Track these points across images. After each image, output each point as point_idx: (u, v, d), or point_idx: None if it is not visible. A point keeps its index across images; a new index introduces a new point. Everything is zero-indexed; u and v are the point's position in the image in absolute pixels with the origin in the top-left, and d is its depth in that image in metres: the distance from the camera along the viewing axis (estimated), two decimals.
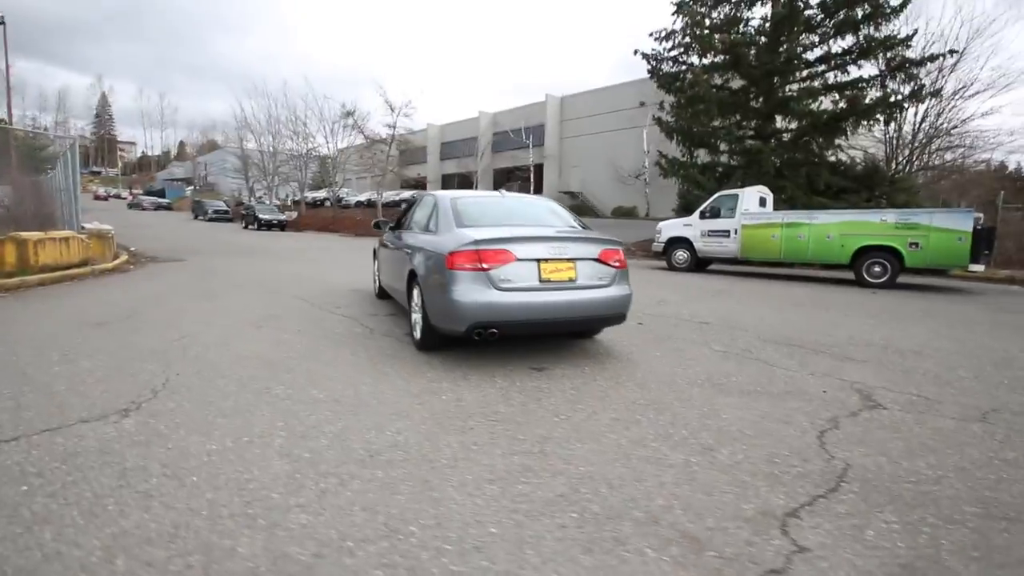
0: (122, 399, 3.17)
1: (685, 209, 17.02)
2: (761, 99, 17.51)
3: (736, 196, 11.73)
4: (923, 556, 1.85)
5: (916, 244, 9.30)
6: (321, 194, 38.64)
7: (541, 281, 3.80)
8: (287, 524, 1.94)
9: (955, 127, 17.13)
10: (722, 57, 17.44)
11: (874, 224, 9.80)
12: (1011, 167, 25.49)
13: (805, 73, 17.42)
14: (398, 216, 6.26)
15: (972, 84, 16.75)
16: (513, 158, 36.74)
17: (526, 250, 3.78)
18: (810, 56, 17.30)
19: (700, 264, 12.47)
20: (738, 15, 17.97)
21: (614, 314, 4.16)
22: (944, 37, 16.52)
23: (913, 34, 15.62)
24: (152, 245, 14.50)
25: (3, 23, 23.75)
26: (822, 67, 17.26)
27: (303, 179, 39.16)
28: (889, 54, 15.72)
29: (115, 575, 1.66)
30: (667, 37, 18.44)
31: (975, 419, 3.17)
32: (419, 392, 3.41)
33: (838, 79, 16.99)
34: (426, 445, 2.63)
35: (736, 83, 17.91)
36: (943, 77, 16.42)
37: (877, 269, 9.77)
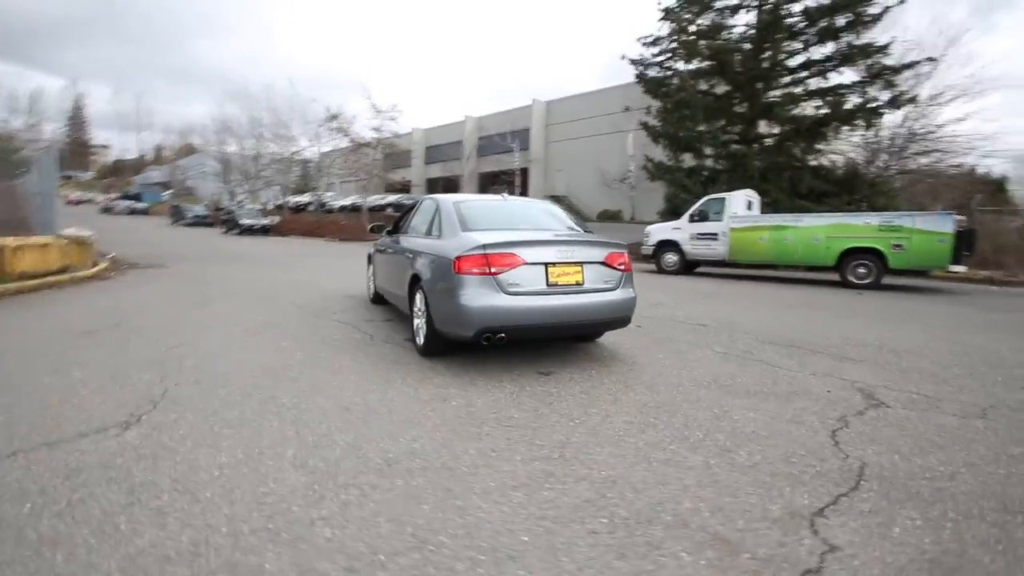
0: (121, 411, 3.07)
1: (672, 212, 17.21)
2: (746, 104, 17.83)
3: (724, 200, 11.90)
4: (949, 551, 1.87)
5: (899, 246, 9.53)
6: (305, 198, 38.17)
7: (549, 285, 3.78)
8: (312, 538, 1.88)
9: (931, 132, 17.61)
10: (707, 63, 17.71)
11: (858, 227, 10.02)
12: (984, 171, 26.33)
13: (788, 79, 17.81)
14: (395, 220, 6.20)
15: (947, 91, 17.24)
16: (499, 162, 36.72)
17: (534, 254, 3.76)
18: (793, 63, 17.68)
19: (688, 267, 12.61)
20: (722, 22, 18.29)
21: (619, 317, 4.16)
22: (920, 45, 17.00)
23: (891, 42, 16.08)
24: (131, 251, 14.13)
25: None
26: (804, 73, 17.65)
27: (286, 183, 38.67)
28: (869, 61, 16.14)
29: None
30: (654, 43, 18.71)
31: (976, 416, 3.23)
32: (429, 399, 3.36)
33: (820, 85, 17.38)
34: (444, 452, 2.59)
35: (721, 88, 18.21)
36: (919, 84, 16.90)
37: (862, 270, 9.98)
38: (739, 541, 1.91)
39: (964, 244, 9.26)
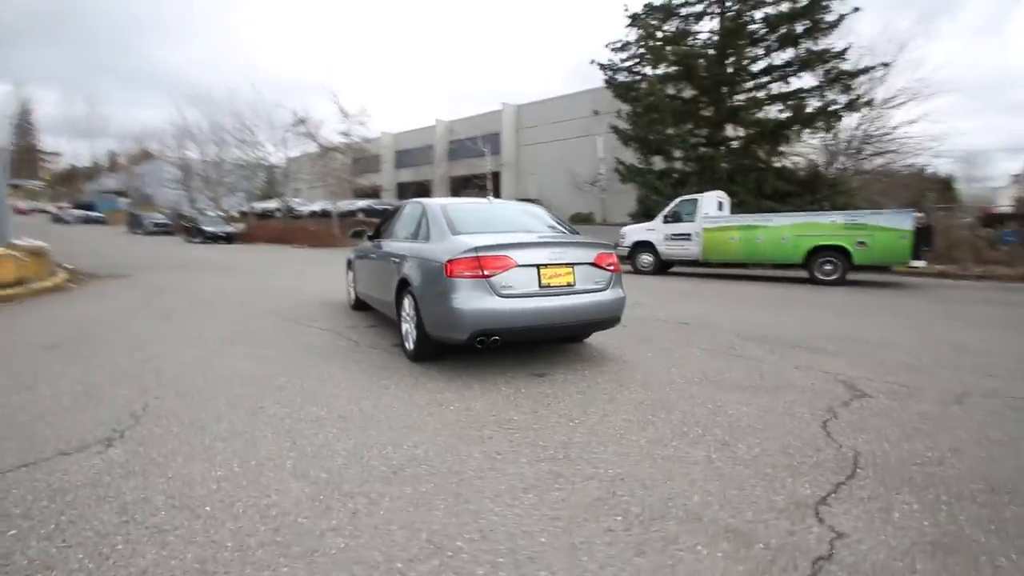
0: (101, 427, 2.92)
1: (644, 214, 17.51)
2: (712, 108, 18.33)
3: (696, 201, 12.18)
4: (948, 532, 1.95)
5: (863, 243, 9.94)
6: (271, 204, 37.22)
7: (541, 287, 3.79)
8: (325, 549, 1.83)
9: (885, 134, 18.49)
10: (675, 68, 18.14)
11: (825, 225, 10.40)
12: (932, 170, 27.77)
13: (751, 84, 18.40)
14: (376, 225, 6.11)
15: (898, 95, 18.13)
16: (470, 166, 36.68)
17: (526, 256, 3.76)
18: (756, 68, 18.28)
19: (663, 267, 12.84)
20: (687, 28, 18.78)
21: (610, 317, 4.20)
22: (873, 51, 17.85)
23: (847, 48, 16.81)
24: (90, 262, 13.48)
25: None
26: (766, 78, 18.28)
27: (251, 189, 37.65)
28: (827, 66, 16.83)
29: None
30: (622, 48, 19.05)
31: (952, 403, 3.39)
32: (425, 404, 3.32)
33: (782, 90, 18.03)
34: (448, 457, 2.56)
35: (688, 93, 18.67)
36: (874, 88, 17.72)
37: (828, 267, 10.37)
38: (751, 532, 1.94)
39: (923, 240, 9.73)
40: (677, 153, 18.84)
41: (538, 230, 4.60)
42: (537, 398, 3.43)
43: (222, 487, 2.27)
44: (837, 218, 10.39)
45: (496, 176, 35.32)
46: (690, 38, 18.81)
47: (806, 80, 17.95)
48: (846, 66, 17.00)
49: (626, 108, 19.43)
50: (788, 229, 10.78)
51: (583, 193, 31.17)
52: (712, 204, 12.21)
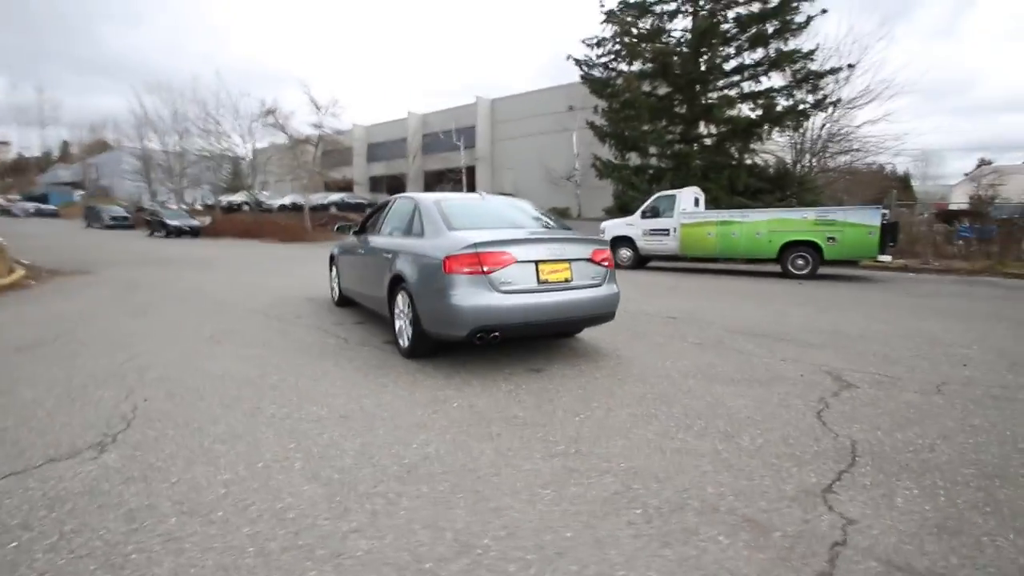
0: (91, 432, 2.79)
1: (620, 209, 17.71)
2: (686, 106, 18.62)
3: (674, 196, 12.39)
4: (949, 516, 2.05)
5: (833, 239, 10.31)
6: (238, 197, 36.10)
7: (540, 283, 3.80)
8: (351, 552, 1.80)
9: (849, 133, 19.22)
10: (650, 65, 18.35)
11: (797, 221, 10.74)
12: (892, 169, 28.98)
13: (724, 82, 18.77)
14: (362, 220, 6.00)
15: (861, 95, 18.85)
16: (444, 160, 36.37)
17: (525, 252, 3.76)
18: (728, 67, 18.65)
19: (641, 261, 13.03)
20: (662, 26, 19.01)
21: (605, 313, 4.24)
22: (839, 52, 18.47)
23: (815, 49, 17.33)
24: (48, 257, 12.83)
25: None
26: (738, 77, 18.67)
27: (216, 181, 36.42)
28: (796, 66, 17.31)
29: None
30: (598, 44, 19.14)
31: (933, 392, 3.56)
32: (427, 402, 3.29)
33: (753, 89, 18.46)
34: (460, 455, 2.55)
35: (662, 90, 18.92)
36: (840, 88, 18.35)
37: (800, 262, 10.71)
38: (767, 521, 2.00)
39: (889, 236, 10.15)
40: (652, 149, 19.11)
41: (531, 226, 4.60)
42: (538, 393, 3.45)
43: (231, 491, 2.20)
44: (809, 214, 10.74)
45: (471, 170, 35.12)
46: (664, 35, 19.06)
47: (776, 80, 18.46)
48: (814, 66, 17.54)
49: (602, 104, 19.58)
50: (763, 225, 11.08)
51: (558, 188, 31.28)
52: (689, 200, 12.45)
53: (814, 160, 22.07)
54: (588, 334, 5.13)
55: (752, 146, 18.64)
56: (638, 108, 17.85)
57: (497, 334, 3.68)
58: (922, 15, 70.34)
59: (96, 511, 2.05)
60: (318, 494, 2.18)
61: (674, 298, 7.92)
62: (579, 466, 2.44)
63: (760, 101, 17.92)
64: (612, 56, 19.53)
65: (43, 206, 43.12)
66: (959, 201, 23.99)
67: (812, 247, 10.56)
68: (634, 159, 19.67)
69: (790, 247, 10.81)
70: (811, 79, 17.34)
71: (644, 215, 12.68)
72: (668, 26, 19.18)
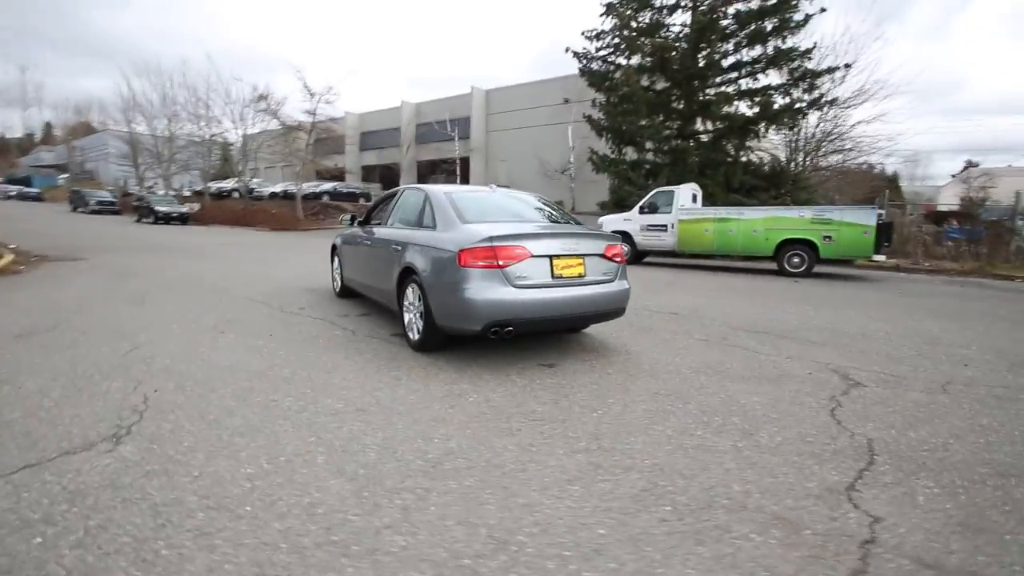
0: (103, 423, 2.74)
1: (616, 204, 17.74)
2: (683, 101, 18.63)
3: (672, 192, 12.42)
4: (971, 514, 2.09)
5: (829, 237, 10.42)
6: (228, 184, 35.54)
7: (554, 277, 3.79)
8: (386, 548, 1.79)
9: (843, 132, 19.39)
10: (648, 59, 18.31)
11: (794, 219, 10.83)
12: (881, 169, 29.29)
13: (721, 79, 18.79)
14: (366, 211, 5.93)
15: (856, 95, 19.01)
16: (438, 150, 36.06)
17: (540, 246, 3.75)
18: (726, 63, 18.67)
19: (638, 257, 13.07)
20: (661, 20, 18.95)
21: (617, 308, 4.25)
22: (836, 52, 18.60)
23: (813, 47, 17.40)
24: (36, 242, 12.55)
25: None
26: (735, 74, 18.70)
27: (205, 167, 35.80)
28: (793, 64, 17.37)
29: None
30: (597, 37, 19.03)
31: (939, 391, 3.62)
32: (443, 396, 3.28)
33: (750, 86, 18.51)
34: (483, 450, 2.54)
35: (660, 85, 18.90)
36: (835, 87, 18.48)
37: (796, 260, 10.82)
38: (797, 519, 2.02)
39: (884, 236, 10.28)
40: (649, 145, 19.11)
41: (543, 220, 4.58)
42: (553, 389, 3.45)
43: (256, 485, 2.17)
44: (805, 213, 10.83)
45: (465, 161, 34.89)
46: (663, 30, 19.01)
47: (773, 78, 18.52)
48: (811, 65, 17.62)
49: (598, 97, 19.52)
50: (760, 222, 11.16)
51: (553, 181, 31.18)
52: (687, 196, 12.49)
53: (807, 159, 22.26)
54: (595, 329, 5.14)
55: (748, 143, 18.72)
56: (636, 102, 17.82)
57: (511, 329, 3.67)
58: (913, 16, 70.95)
59: (120, 506, 2.01)
60: (346, 489, 2.16)
61: (673, 294, 7.96)
62: (603, 462, 2.45)
63: (757, 99, 17.98)
64: (611, 49, 19.46)
65: (26, 189, 42.12)
66: (947, 203, 24.37)
67: (808, 245, 10.66)
68: (630, 154, 19.67)
69: (786, 245, 10.91)
70: (808, 78, 17.42)
71: (642, 211, 12.70)
72: (667, 20, 19.12)
